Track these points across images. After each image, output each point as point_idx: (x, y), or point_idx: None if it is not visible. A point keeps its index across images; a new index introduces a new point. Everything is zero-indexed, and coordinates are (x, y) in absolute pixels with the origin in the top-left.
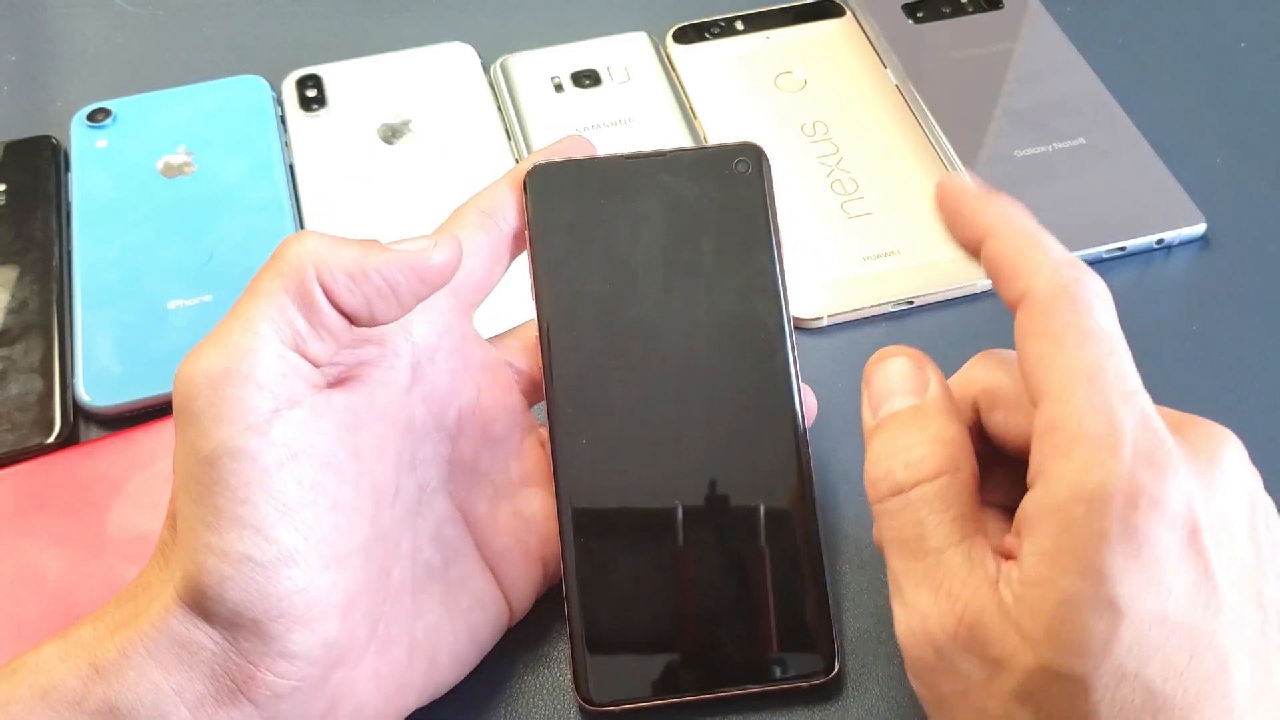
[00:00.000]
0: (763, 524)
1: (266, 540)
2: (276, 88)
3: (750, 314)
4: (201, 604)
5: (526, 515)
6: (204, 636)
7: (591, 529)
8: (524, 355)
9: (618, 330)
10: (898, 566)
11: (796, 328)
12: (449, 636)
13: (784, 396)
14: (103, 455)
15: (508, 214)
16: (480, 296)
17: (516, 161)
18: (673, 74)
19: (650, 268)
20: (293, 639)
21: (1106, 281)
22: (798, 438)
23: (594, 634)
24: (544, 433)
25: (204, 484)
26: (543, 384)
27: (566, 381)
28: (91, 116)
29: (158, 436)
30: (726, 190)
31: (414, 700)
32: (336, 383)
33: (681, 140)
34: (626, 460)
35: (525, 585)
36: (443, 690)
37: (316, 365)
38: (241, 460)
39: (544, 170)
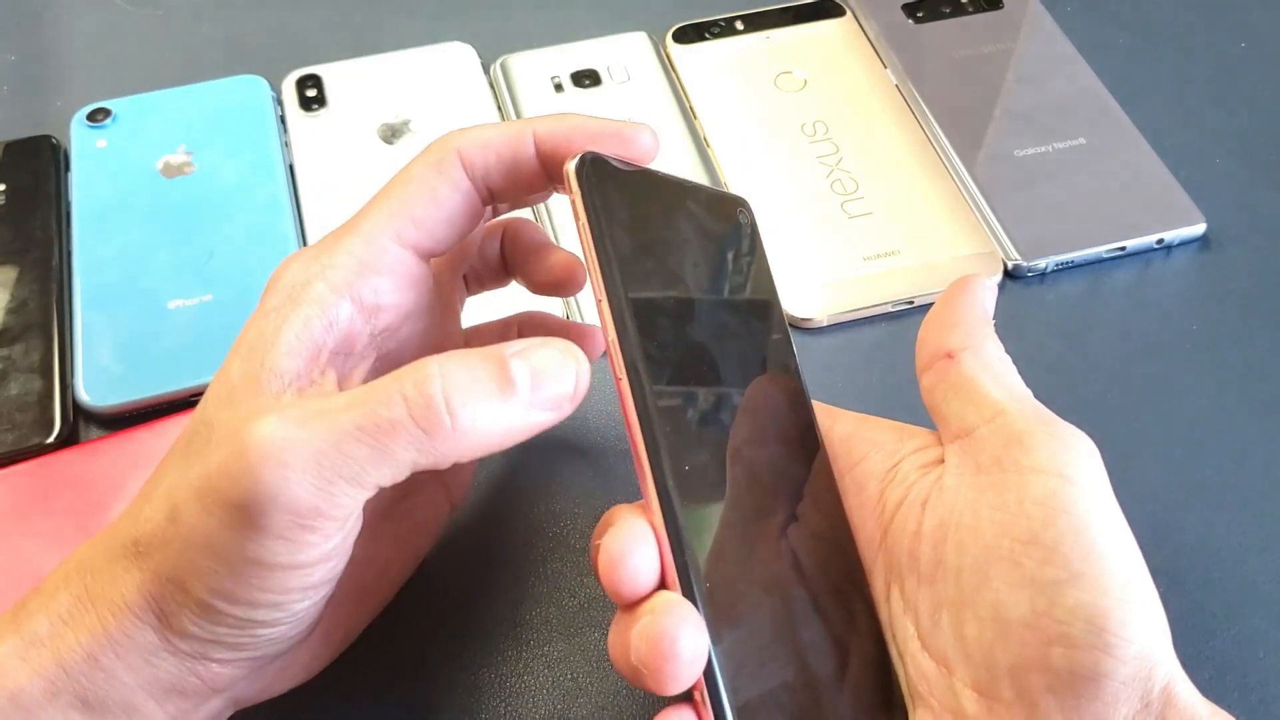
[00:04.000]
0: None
1: (280, 612)
2: (276, 87)
3: (769, 358)
4: (183, 636)
5: None
6: (172, 649)
7: (722, 592)
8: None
9: (693, 351)
10: None
11: (796, 327)
12: (396, 563)
13: (813, 443)
14: (103, 455)
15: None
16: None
17: None
18: (673, 74)
19: (699, 290)
20: (266, 647)
21: (1107, 281)
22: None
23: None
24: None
25: (242, 578)
26: (624, 387)
27: (662, 397)
28: (91, 116)
29: (158, 436)
30: (737, 235)
31: (366, 621)
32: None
33: (682, 140)
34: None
35: (467, 475)
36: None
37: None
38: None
39: (596, 162)
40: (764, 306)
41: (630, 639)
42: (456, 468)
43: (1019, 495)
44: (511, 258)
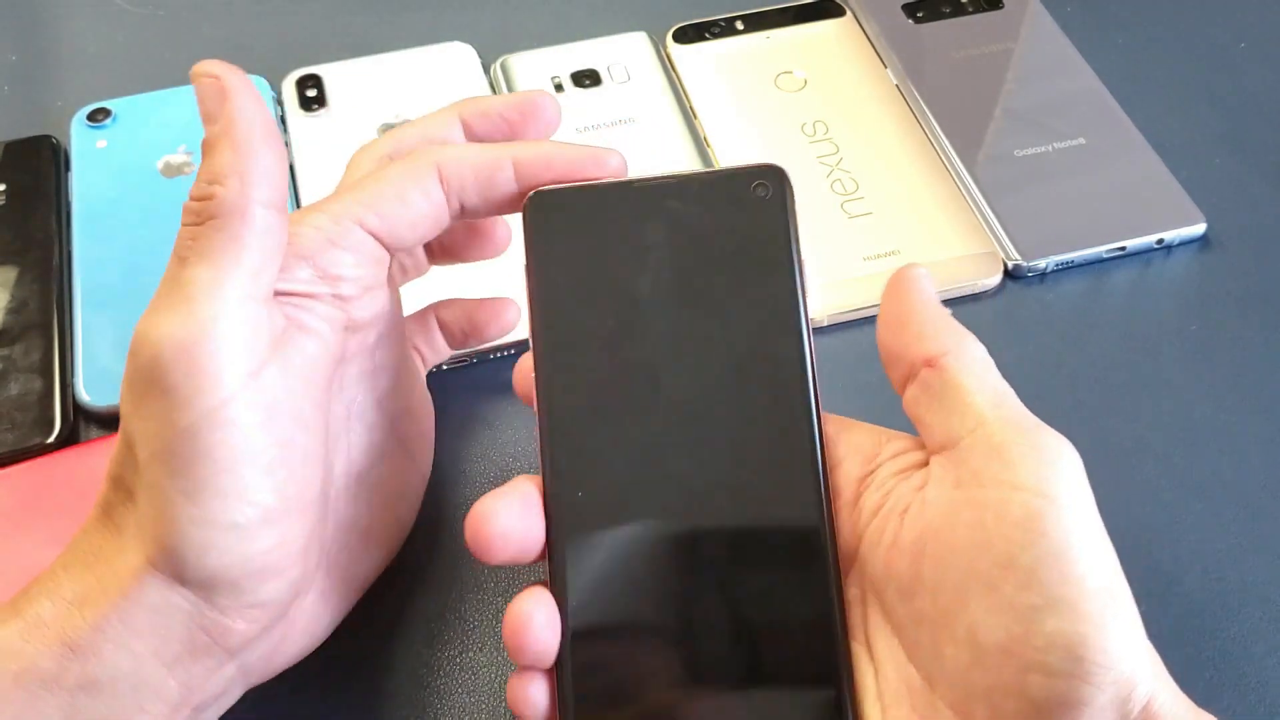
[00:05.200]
0: (781, 599)
1: (249, 505)
2: (276, 87)
3: (769, 356)
4: (180, 571)
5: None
6: (179, 599)
7: (589, 607)
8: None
9: (623, 376)
10: None
11: None
12: (379, 529)
13: (805, 450)
14: (103, 455)
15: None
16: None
17: None
18: (673, 74)
19: (660, 306)
20: (265, 589)
21: (1107, 281)
22: (821, 498)
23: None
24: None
25: (183, 456)
26: (537, 429)
27: (563, 431)
28: (91, 116)
29: None
30: (744, 217)
31: (359, 591)
32: (292, 325)
33: (682, 140)
34: (629, 519)
35: (427, 444)
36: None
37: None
38: (225, 429)
39: (545, 197)
40: (760, 299)
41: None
42: (417, 430)
43: (997, 515)
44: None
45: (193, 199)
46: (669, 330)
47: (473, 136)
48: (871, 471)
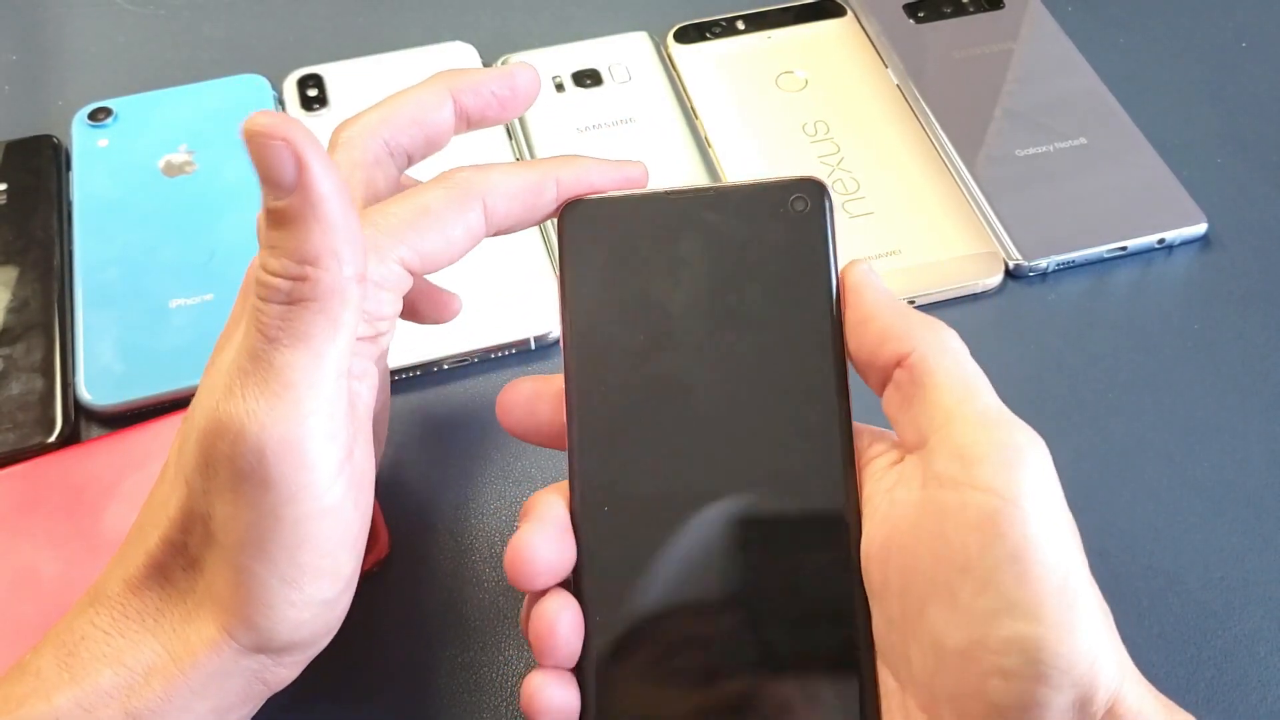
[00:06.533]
0: (811, 625)
1: (339, 579)
2: (278, 87)
3: (803, 376)
4: (265, 644)
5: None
6: (251, 662)
7: (614, 609)
8: None
9: (655, 387)
10: None
11: None
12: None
13: (836, 474)
14: (104, 454)
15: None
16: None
17: (518, 160)
18: (674, 74)
19: (694, 318)
20: (326, 640)
21: (1108, 281)
22: (852, 524)
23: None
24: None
25: (284, 546)
26: (567, 444)
27: (594, 448)
28: (92, 116)
29: (159, 435)
30: (780, 231)
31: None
32: (352, 378)
33: (683, 140)
34: (654, 528)
35: (381, 428)
36: None
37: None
38: (328, 519)
39: (580, 207)
40: (796, 313)
41: (529, 621)
42: (383, 418)
43: (957, 521)
44: None
45: (279, 275)
46: (702, 343)
47: (461, 112)
48: (859, 471)
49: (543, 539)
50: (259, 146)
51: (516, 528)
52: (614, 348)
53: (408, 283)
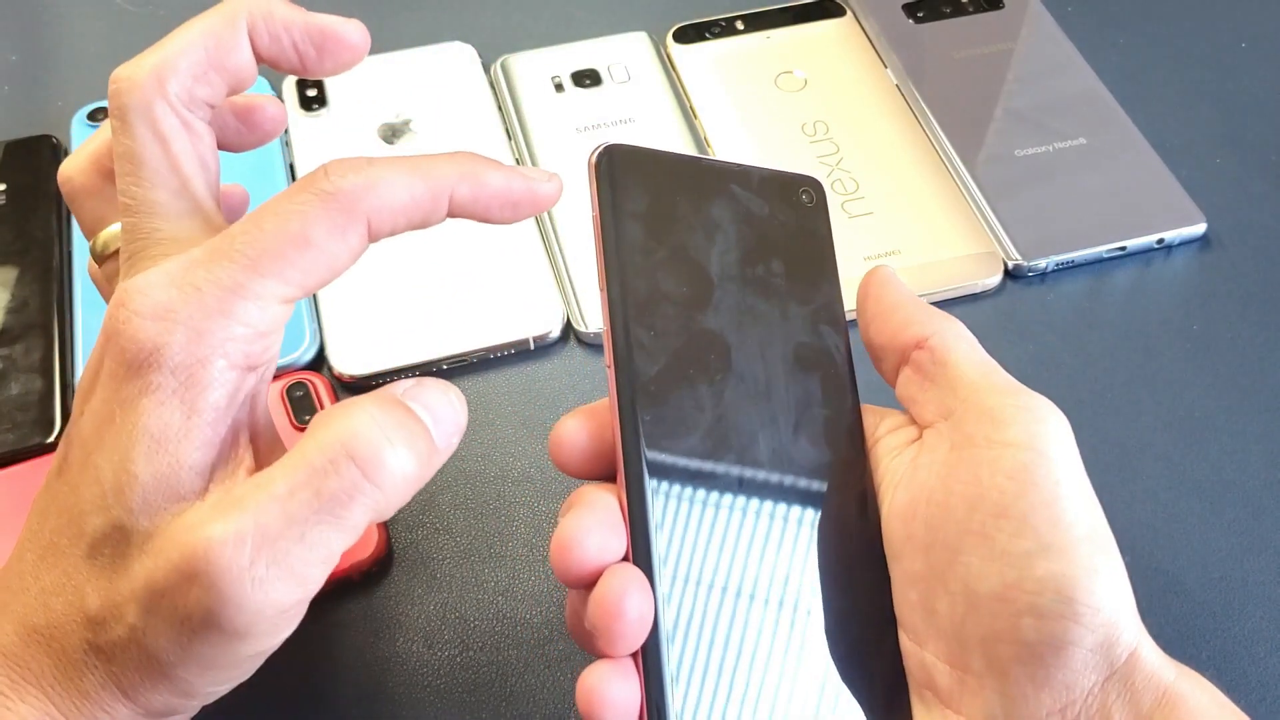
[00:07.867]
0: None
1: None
2: (277, 87)
3: (820, 346)
4: (177, 713)
5: None
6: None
7: (678, 592)
8: None
9: (698, 345)
10: None
11: None
12: None
13: (858, 452)
14: None
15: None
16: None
17: (518, 162)
18: (673, 74)
19: (725, 279)
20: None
21: (1107, 281)
22: (868, 474)
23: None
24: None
25: (236, 667)
26: (611, 382)
27: (646, 388)
28: (92, 116)
29: None
30: (794, 216)
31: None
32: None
33: (682, 140)
34: (705, 487)
35: None
36: None
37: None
38: (280, 636)
39: (616, 152)
40: (809, 293)
41: (587, 606)
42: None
43: (991, 469)
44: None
45: None
46: (735, 304)
47: (257, 50)
48: (869, 450)
49: (593, 524)
50: None
51: (556, 523)
52: (659, 297)
53: (289, 314)
